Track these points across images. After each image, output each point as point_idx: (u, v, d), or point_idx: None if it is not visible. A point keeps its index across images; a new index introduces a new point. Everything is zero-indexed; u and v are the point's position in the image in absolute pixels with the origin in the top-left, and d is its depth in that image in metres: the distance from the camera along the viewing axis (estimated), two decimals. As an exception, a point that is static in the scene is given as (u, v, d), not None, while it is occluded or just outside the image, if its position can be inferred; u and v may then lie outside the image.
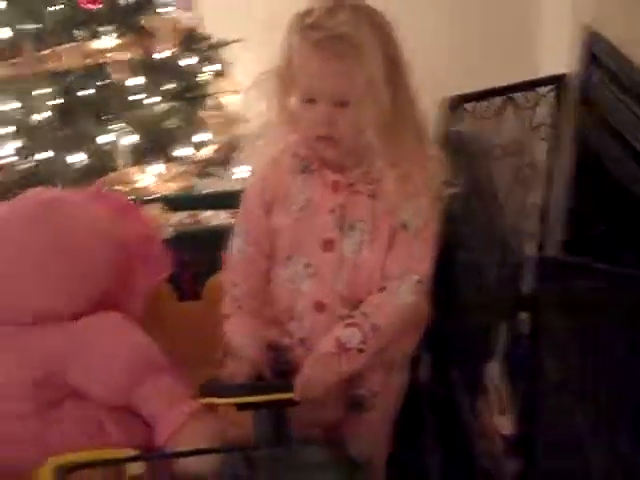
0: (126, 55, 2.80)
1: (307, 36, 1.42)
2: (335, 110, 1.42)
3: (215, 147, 2.93)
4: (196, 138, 2.90)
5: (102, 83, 2.74)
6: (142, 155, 2.78)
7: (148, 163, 2.76)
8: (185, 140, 2.88)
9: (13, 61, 2.64)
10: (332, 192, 1.49)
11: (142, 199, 2.05)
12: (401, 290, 1.48)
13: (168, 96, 2.91)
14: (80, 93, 2.70)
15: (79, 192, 1.75)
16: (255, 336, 1.52)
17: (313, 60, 1.41)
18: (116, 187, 2.62)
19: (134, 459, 1.30)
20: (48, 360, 1.43)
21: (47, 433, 1.38)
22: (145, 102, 2.84)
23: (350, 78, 1.40)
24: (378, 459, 1.60)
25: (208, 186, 2.79)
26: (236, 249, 1.56)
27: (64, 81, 2.68)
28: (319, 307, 1.50)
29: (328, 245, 1.49)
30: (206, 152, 2.89)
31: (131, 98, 2.80)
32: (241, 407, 1.42)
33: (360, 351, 1.46)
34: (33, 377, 1.41)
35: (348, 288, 1.49)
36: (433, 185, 1.49)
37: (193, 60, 2.95)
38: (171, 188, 2.71)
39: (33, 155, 2.61)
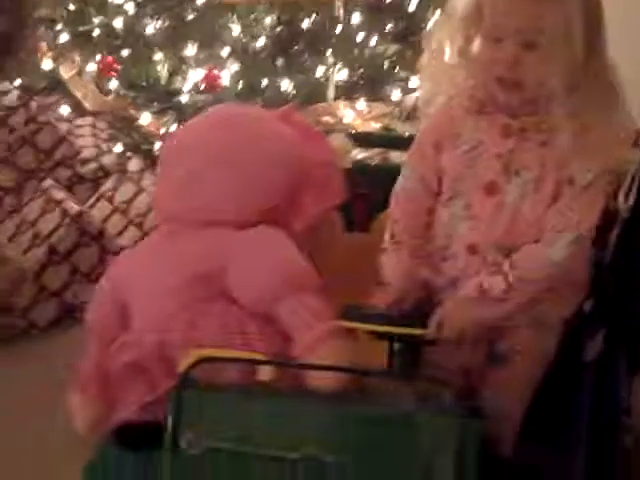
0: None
1: None
2: (522, 51, 1.38)
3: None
4: (409, 83, 2.92)
5: (326, 16, 2.81)
6: (352, 91, 2.83)
7: (357, 99, 2.81)
8: (398, 82, 2.91)
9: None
10: (502, 136, 1.46)
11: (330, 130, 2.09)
12: (557, 245, 1.43)
13: (389, 37, 2.94)
14: (303, 24, 2.78)
15: (271, 111, 1.81)
16: (407, 274, 1.53)
17: None
18: (323, 118, 2.69)
19: (266, 363, 1.36)
20: (210, 259, 1.51)
21: (195, 324, 1.47)
22: (365, 41, 2.89)
23: (543, 18, 1.36)
24: (510, 420, 1.56)
25: (407, 130, 2.80)
26: (401, 186, 1.58)
27: (289, 10, 2.77)
28: (473, 249, 1.49)
29: (490, 188, 1.47)
30: (414, 97, 2.89)
31: (352, 35, 2.86)
32: (378, 336, 1.45)
33: (501, 301, 1.43)
34: (194, 271, 1.50)
35: (504, 234, 1.46)
36: (612, 146, 1.43)
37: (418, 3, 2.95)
38: (372, 126, 2.75)
39: (249, 78, 2.73)
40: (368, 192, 1.86)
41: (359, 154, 2.13)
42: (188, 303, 1.50)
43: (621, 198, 2.18)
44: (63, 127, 2.94)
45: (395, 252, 1.56)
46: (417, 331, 1.42)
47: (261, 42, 2.74)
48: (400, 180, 1.58)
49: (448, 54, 1.48)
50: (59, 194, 2.64)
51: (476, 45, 1.44)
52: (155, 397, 1.48)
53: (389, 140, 2.24)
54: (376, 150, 2.21)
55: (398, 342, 1.43)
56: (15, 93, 2.89)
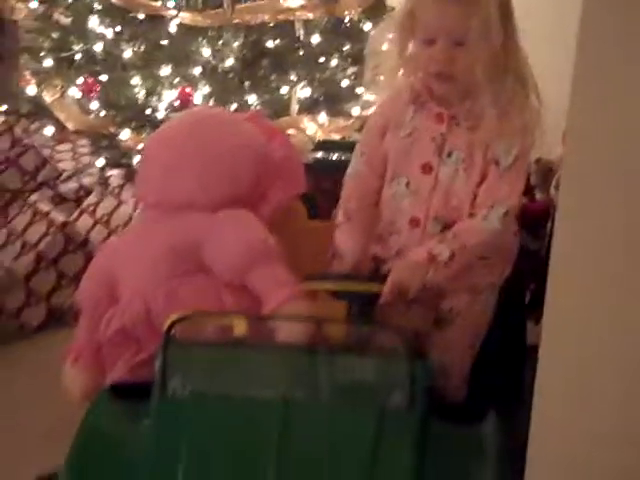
0: (313, 15, 3.08)
1: None
2: (453, 49, 1.62)
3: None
4: (366, 99, 3.16)
5: (288, 39, 3.05)
6: (314, 107, 3.07)
7: (317, 114, 3.05)
8: (356, 99, 3.15)
9: (212, 12, 2.98)
10: (436, 122, 1.69)
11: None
12: (489, 218, 1.66)
13: (347, 58, 3.18)
14: (267, 45, 3.02)
15: (237, 114, 2.04)
16: (358, 243, 1.75)
17: (436, 4, 1.62)
18: (287, 131, 2.91)
19: (240, 315, 1.56)
20: (187, 236, 1.73)
21: (176, 294, 1.68)
22: (325, 61, 3.13)
23: (468, 20, 1.60)
24: (454, 377, 1.76)
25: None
26: (352, 169, 1.80)
27: (255, 33, 3.01)
28: (414, 223, 1.71)
29: (426, 168, 1.70)
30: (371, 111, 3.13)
31: (313, 56, 3.09)
32: (338, 296, 1.65)
33: (446, 265, 1.65)
34: (173, 247, 1.72)
35: (440, 209, 1.69)
36: (528, 128, 1.66)
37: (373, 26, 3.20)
38: (332, 138, 2.98)
39: (219, 97, 2.95)
40: (329, 185, 2.07)
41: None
42: (169, 275, 1.71)
43: (553, 189, 2.42)
44: (46, 150, 3.13)
45: (347, 228, 1.77)
46: (372, 287, 1.62)
47: (229, 63, 2.97)
48: (351, 164, 1.81)
49: (389, 56, 1.72)
50: (45, 207, 2.84)
51: (412, 47, 1.68)
52: (142, 359, 1.69)
53: (348, 145, 2.46)
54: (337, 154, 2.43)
55: (356, 301, 1.63)
56: (0, 118, 3.08)
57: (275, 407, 1.47)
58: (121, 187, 2.95)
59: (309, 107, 3.05)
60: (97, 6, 3.02)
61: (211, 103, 2.93)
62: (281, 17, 3.02)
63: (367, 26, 3.20)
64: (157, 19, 2.98)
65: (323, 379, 1.50)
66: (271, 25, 3.00)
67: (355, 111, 3.14)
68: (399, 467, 1.42)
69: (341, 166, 2.17)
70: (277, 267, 1.69)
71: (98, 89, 2.99)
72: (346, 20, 3.20)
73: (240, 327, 1.56)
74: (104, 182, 2.97)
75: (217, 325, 1.59)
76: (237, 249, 1.69)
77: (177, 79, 2.97)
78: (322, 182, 2.07)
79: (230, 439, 1.46)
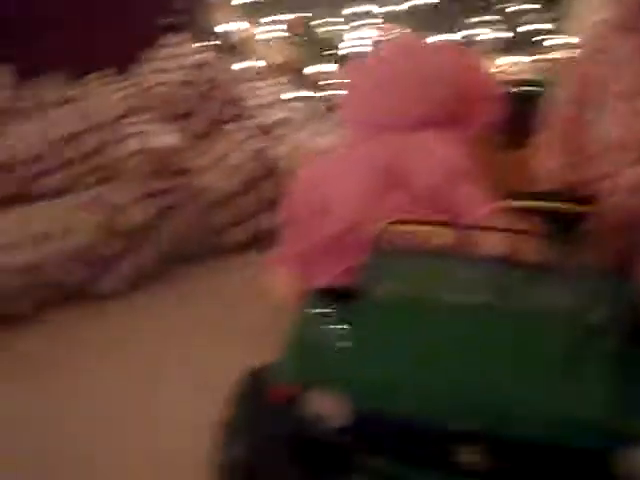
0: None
1: None
2: None
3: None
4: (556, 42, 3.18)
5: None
6: (506, 48, 3.11)
7: (508, 54, 3.09)
8: (546, 42, 3.17)
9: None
10: None
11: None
12: None
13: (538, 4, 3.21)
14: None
15: (440, 44, 2.12)
16: (559, 166, 1.80)
17: None
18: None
19: (447, 227, 1.65)
20: (392, 154, 1.86)
21: (381, 206, 1.80)
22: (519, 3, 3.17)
23: None
24: None
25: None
26: (556, 97, 1.84)
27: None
28: (619, 148, 1.74)
29: (632, 94, 1.72)
30: (562, 54, 3.14)
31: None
32: (540, 215, 1.66)
33: None
34: (379, 164, 1.85)
35: None
36: None
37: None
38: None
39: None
40: (524, 116, 2.12)
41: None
42: (374, 190, 1.84)
43: None
44: (242, 83, 3.30)
45: (549, 148, 1.83)
46: (577, 208, 1.64)
47: (426, 3, 3.05)
48: (555, 91, 1.85)
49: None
50: (243, 136, 3.01)
51: None
52: (348, 266, 1.81)
53: (538, 83, 2.49)
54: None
55: (557, 220, 1.64)
56: (201, 55, 3.26)
57: (480, 313, 1.51)
58: (314, 119, 3.10)
59: (501, 48, 3.09)
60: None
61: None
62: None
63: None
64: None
65: (527, 291, 1.52)
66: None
67: (545, 54, 3.16)
68: (597, 382, 1.41)
69: (533, 98, 2.23)
70: (476, 186, 1.78)
71: (294, 27, 3.13)
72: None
73: (445, 237, 1.64)
74: (298, 114, 3.12)
75: (418, 236, 1.68)
76: (439, 167, 1.80)
77: (372, 19, 3.07)
78: (514, 114, 2.12)
79: (432, 340, 1.49)
